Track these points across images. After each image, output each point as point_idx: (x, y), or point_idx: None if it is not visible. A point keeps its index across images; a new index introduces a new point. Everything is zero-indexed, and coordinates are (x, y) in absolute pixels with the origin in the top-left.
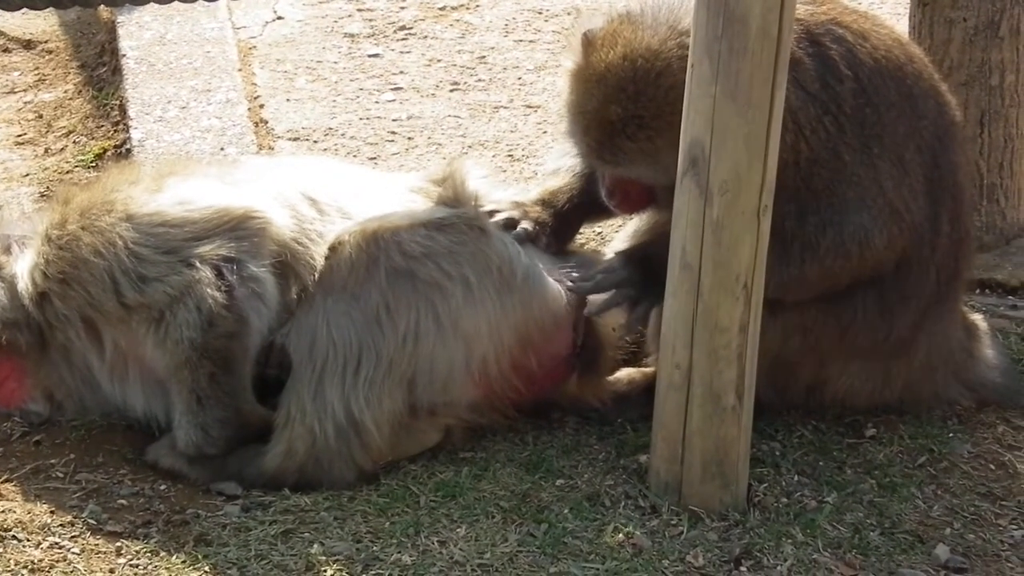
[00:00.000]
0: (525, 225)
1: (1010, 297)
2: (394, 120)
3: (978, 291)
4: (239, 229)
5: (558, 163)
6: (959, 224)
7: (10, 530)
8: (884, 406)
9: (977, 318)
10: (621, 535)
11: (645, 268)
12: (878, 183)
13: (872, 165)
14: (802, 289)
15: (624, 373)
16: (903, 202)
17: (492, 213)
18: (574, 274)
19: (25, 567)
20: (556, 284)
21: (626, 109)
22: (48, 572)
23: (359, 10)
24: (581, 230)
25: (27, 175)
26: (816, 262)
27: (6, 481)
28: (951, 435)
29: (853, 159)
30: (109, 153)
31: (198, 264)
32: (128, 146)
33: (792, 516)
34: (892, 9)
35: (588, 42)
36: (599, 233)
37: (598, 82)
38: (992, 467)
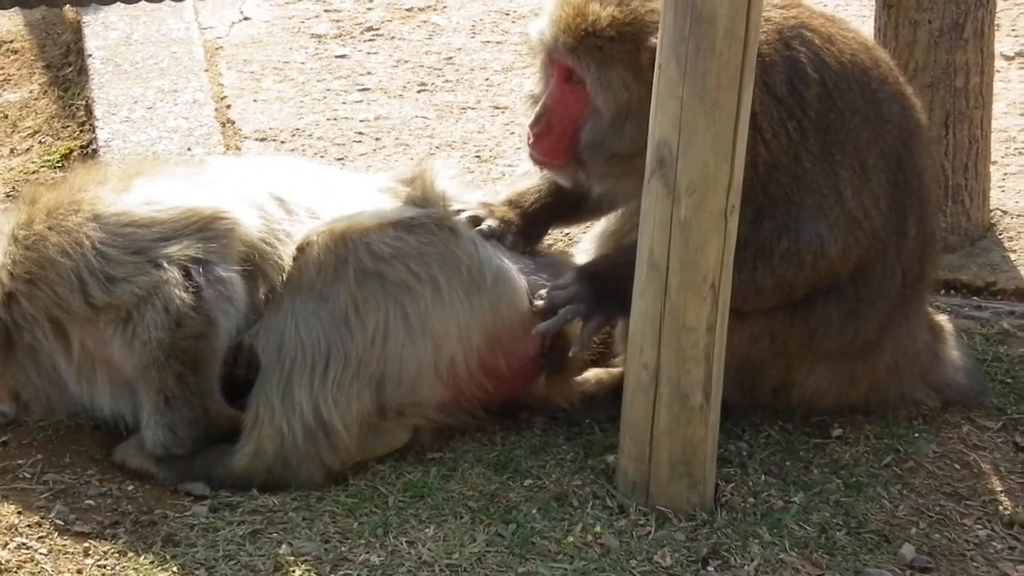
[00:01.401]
0: (490, 222)
1: (975, 298)
2: (361, 121)
3: (943, 292)
4: (207, 230)
5: (528, 166)
6: (925, 226)
7: None
8: (850, 407)
9: (942, 319)
10: (589, 535)
11: (596, 283)
12: (837, 191)
13: (833, 172)
14: (757, 297)
15: (592, 373)
16: (862, 210)
17: (458, 212)
18: (537, 301)
19: None
20: (524, 285)
21: (606, 9)
22: (15, 572)
23: (326, 11)
24: (550, 232)
25: None
26: (769, 269)
27: None
28: (917, 435)
29: (813, 166)
30: (75, 153)
31: (166, 264)
32: (94, 146)
33: (759, 516)
34: (857, 11)
35: None
36: (567, 234)
37: None
38: (957, 467)
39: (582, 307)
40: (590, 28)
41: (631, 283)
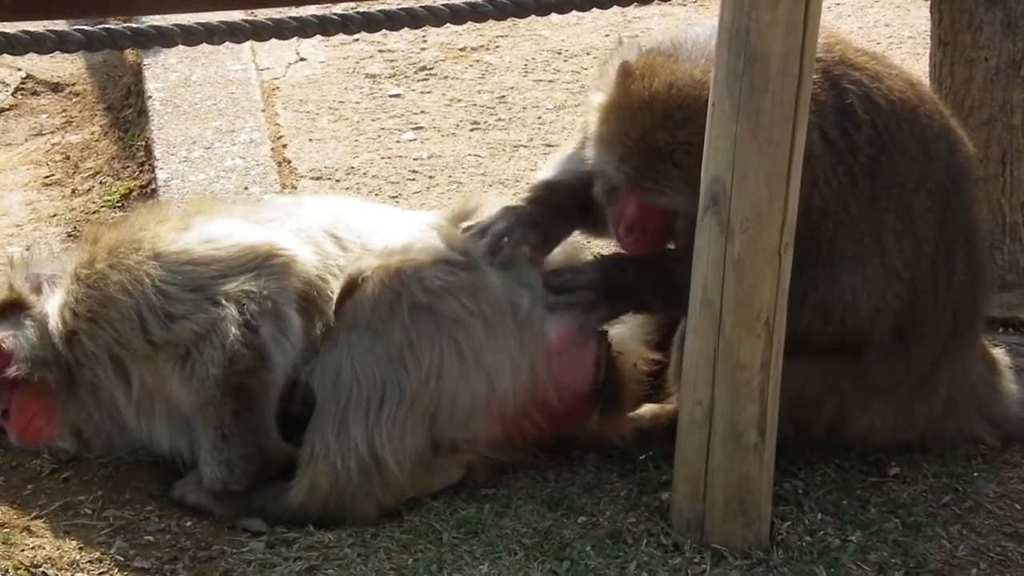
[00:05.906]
0: (507, 251)
1: None
2: (415, 159)
3: (1001, 330)
4: (264, 266)
5: (552, 168)
6: (974, 261)
7: (40, 566)
8: (907, 444)
9: (999, 352)
10: (644, 573)
11: (614, 277)
12: (879, 240)
13: (878, 220)
14: None
15: (646, 410)
16: (902, 258)
17: (483, 231)
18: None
19: None
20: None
21: (674, 136)
22: None
23: (380, 51)
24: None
25: (55, 215)
26: (796, 320)
27: (36, 518)
28: (976, 474)
29: (860, 213)
30: (135, 193)
31: (224, 301)
32: (154, 186)
33: (816, 555)
34: (911, 49)
35: (627, 72)
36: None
37: (641, 110)
38: (1018, 507)
39: (591, 295)
40: (672, 170)
41: (650, 289)
